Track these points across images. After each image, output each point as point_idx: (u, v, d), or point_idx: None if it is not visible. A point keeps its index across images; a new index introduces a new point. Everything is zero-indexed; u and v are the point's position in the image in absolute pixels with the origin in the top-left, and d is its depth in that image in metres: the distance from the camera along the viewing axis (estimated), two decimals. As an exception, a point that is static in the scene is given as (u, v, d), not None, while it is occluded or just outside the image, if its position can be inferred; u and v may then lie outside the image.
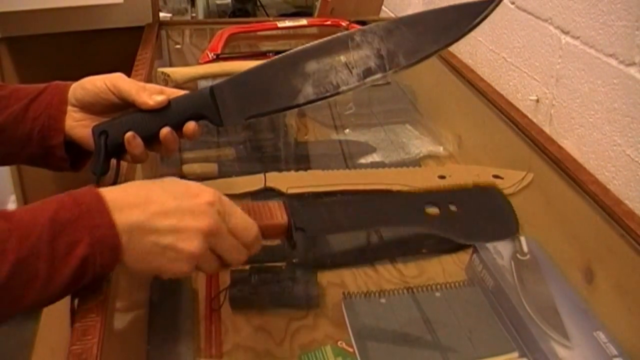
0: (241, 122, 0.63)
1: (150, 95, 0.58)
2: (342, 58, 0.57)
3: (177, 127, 0.58)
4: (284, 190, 0.80)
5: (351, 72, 0.57)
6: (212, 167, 0.89)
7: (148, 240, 0.50)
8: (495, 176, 0.86)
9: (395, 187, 0.83)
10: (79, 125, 0.62)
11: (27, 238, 0.45)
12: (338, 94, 0.57)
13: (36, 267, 0.45)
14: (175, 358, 0.57)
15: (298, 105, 0.58)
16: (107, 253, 0.48)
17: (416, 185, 0.83)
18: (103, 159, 0.58)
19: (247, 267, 0.65)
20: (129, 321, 0.62)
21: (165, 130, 0.58)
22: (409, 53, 0.57)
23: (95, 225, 0.47)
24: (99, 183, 0.59)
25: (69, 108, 0.63)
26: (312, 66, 0.58)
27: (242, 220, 0.54)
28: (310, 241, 0.63)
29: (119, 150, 0.59)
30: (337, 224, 0.66)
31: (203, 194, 0.52)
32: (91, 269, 0.48)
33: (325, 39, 0.58)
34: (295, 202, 0.63)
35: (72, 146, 0.63)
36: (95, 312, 0.51)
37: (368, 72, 0.57)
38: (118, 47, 1.27)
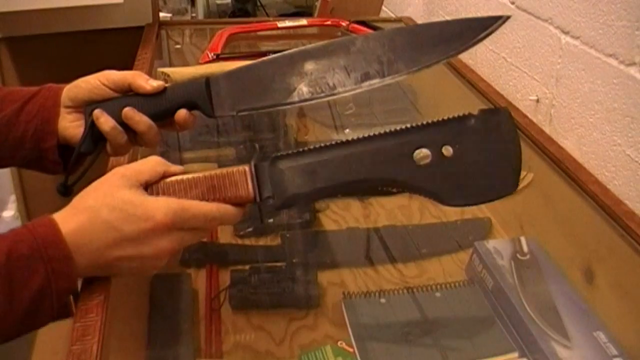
0: (232, 115, 0.60)
1: (147, 80, 0.58)
2: (342, 61, 0.57)
3: (169, 115, 0.58)
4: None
5: (349, 75, 0.57)
6: (212, 167, 0.89)
7: (108, 270, 0.52)
8: None
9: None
10: (72, 127, 0.61)
11: None
12: (334, 95, 0.57)
13: None
14: (175, 358, 0.57)
15: (292, 104, 0.58)
16: (63, 283, 0.49)
17: None
18: (88, 134, 0.58)
19: (247, 267, 0.65)
20: (129, 321, 0.62)
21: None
22: (409, 62, 0.57)
23: (50, 257, 0.48)
24: (80, 163, 0.60)
25: (62, 110, 0.62)
26: (309, 66, 0.58)
27: (202, 218, 0.52)
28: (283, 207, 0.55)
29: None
30: (314, 186, 0.56)
31: (153, 218, 0.51)
32: (48, 299, 0.48)
33: (326, 41, 0.58)
34: (266, 163, 0.55)
35: (66, 149, 0.63)
36: (95, 312, 0.51)
37: (366, 77, 0.56)
38: (118, 47, 1.27)
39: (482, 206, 0.81)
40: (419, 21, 1.45)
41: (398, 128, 0.56)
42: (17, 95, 0.64)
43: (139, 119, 0.58)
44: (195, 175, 0.55)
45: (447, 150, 0.56)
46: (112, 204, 0.51)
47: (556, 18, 0.90)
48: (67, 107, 0.62)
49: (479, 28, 0.61)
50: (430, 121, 0.57)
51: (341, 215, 0.78)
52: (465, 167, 0.57)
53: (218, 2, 3.32)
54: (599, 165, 0.81)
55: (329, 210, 0.80)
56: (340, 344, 0.58)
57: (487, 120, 0.57)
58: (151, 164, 0.54)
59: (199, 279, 0.66)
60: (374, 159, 0.56)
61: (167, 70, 1.03)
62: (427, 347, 0.57)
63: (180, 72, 1.04)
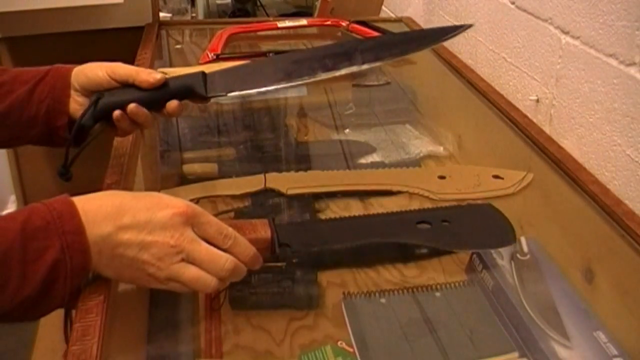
0: (223, 95, 0.67)
1: (150, 74, 0.64)
2: (322, 54, 0.70)
3: (166, 102, 0.65)
4: (284, 190, 0.80)
5: (328, 64, 0.68)
6: (212, 167, 0.89)
7: (116, 252, 0.50)
8: (495, 176, 0.86)
9: (395, 188, 0.83)
10: (81, 109, 0.65)
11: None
12: (315, 77, 0.67)
13: (8, 271, 0.46)
14: (175, 358, 0.57)
15: (278, 84, 0.67)
16: (78, 258, 0.49)
17: (416, 186, 0.83)
18: (90, 111, 0.64)
19: (247, 267, 0.65)
20: (129, 321, 0.62)
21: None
22: (376, 56, 0.70)
23: (65, 231, 0.48)
24: (82, 139, 0.64)
25: (72, 92, 0.66)
26: (294, 59, 0.70)
27: (215, 227, 0.53)
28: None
29: (107, 115, 0.64)
30: (324, 239, 0.66)
31: (174, 205, 0.52)
32: (62, 274, 0.48)
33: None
34: (283, 223, 0.65)
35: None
36: (95, 312, 0.51)
37: (342, 65, 0.68)
38: (118, 47, 1.26)
39: (482, 206, 0.81)
40: (419, 21, 1.45)
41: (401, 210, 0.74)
42: (27, 75, 0.67)
43: (142, 113, 0.64)
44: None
45: (446, 223, 0.69)
46: (134, 194, 0.55)
47: (556, 18, 0.90)
48: (77, 90, 0.66)
49: (441, 34, 0.75)
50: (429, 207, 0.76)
51: (341, 215, 0.78)
52: (463, 231, 0.69)
53: (218, 2, 3.32)
54: (599, 165, 0.81)
55: (329, 210, 0.80)
56: (340, 344, 0.58)
57: (475, 207, 0.75)
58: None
59: (199, 279, 0.66)
60: (381, 226, 0.69)
61: (167, 70, 1.03)
62: (427, 347, 0.57)
63: (180, 72, 1.04)
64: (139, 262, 0.51)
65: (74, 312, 0.52)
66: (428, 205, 0.80)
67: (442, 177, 0.85)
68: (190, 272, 0.51)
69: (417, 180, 0.84)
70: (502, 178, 0.85)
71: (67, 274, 0.49)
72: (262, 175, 0.83)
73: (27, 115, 0.66)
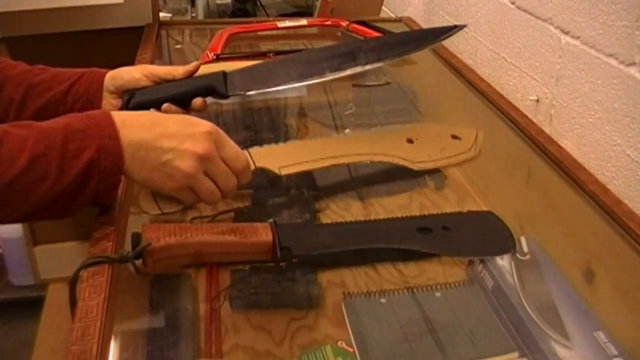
0: (242, 94, 0.76)
1: (184, 68, 0.75)
2: (330, 55, 0.77)
3: (191, 98, 0.72)
4: (276, 170, 0.78)
5: (335, 64, 0.76)
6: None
7: (149, 155, 0.58)
8: (454, 137, 0.90)
9: (376, 158, 0.85)
10: (114, 109, 0.72)
11: (42, 140, 0.53)
12: (323, 77, 0.76)
13: (48, 164, 0.53)
14: (175, 358, 0.57)
15: (291, 83, 0.76)
16: (111, 159, 0.56)
17: (393, 154, 0.85)
18: (123, 109, 0.70)
19: (247, 267, 0.65)
20: (129, 321, 0.62)
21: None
22: (378, 56, 0.78)
23: (102, 135, 0.56)
24: None
25: (106, 94, 0.74)
26: (305, 60, 0.77)
27: (234, 150, 0.63)
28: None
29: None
30: (325, 244, 0.67)
31: (202, 124, 0.61)
32: (96, 173, 0.55)
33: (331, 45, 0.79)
34: (283, 225, 0.66)
35: None
36: (95, 312, 0.51)
37: (347, 66, 0.77)
38: (118, 47, 1.27)
39: (482, 207, 0.81)
40: (419, 21, 1.45)
41: (402, 216, 0.74)
42: (63, 77, 0.75)
43: (174, 111, 0.73)
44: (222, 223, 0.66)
45: (446, 229, 0.70)
46: (167, 114, 0.66)
47: (556, 18, 0.90)
48: (111, 92, 0.74)
49: (437, 34, 0.83)
50: (429, 213, 0.77)
51: (341, 215, 0.78)
52: (463, 237, 0.70)
53: (218, 2, 3.32)
54: (599, 165, 0.81)
55: (329, 210, 0.80)
56: (340, 344, 0.58)
57: (476, 214, 0.76)
58: None
59: (199, 279, 0.66)
60: (381, 231, 0.71)
61: (167, 70, 1.03)
62: (427, 347, 0.57)
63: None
64: (168, 167, 0.58)
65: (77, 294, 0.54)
66: (428, 205, 0.81)
67: (410, 141, 0.88)
68: (207, 185, 0.61)
69: (390, 146, 0.86)
70: (460, 138, 0.89)
71: (101, 173, 0.56)
72: (245, 152, 0.74)
73: (62, 112, 0.69)
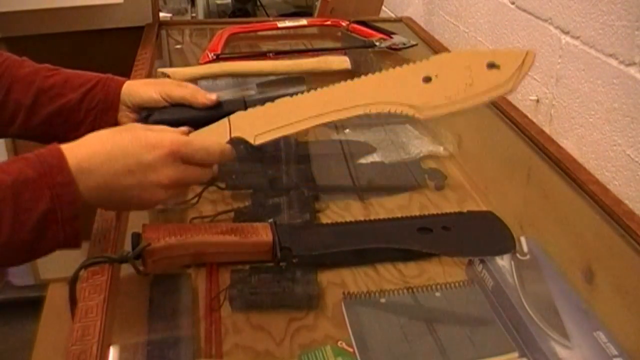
0: None
1: (205, 96, 0.69)
2: None
3: (210, 123, 0.67)
4: (251, 140, 0.66)
5: None
6: (213, 168, 0.89)
7: (113, 195, 0.56)
8: (491, 65, 0.66)
9: (372, 109, 0.66)
10: (129, 121, 0.70)
11: None
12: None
13: (1, 218, 0.50)
14: (175, 358, 0.57)
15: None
16: (67, 207, 0.52)
17: (396, 101, 0.65)
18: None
19: (247, 267, 0.65)
20: (129, 321, 0.62)
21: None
22: None
23: (55, 184, 0.52)
24: None
25: (122, 107, 0.72)
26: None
27: (203, 152, 0.59)
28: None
29: None
30: (325, 244, 0.67)
31: (161, 146, 0.56)
32: (54, 223, 0.52)
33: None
34: (283, 225, 0.66)
35: None
36: (95, 312, 0.51)
37: None
38: (118, 47, 1.27)
39: (482, 207, 0.81)
40: (419, 21, 1.45)
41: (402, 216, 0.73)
42: (76, 82, 0.72)
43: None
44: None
45: (447, 229, 0.70)
46: (125, 130, 0.58)
47: (556, 18, 0.90)
48: (127, 106, 0.71)
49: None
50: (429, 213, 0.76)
51: (341, 215, 0.78)
52: (464, 237, 0.70)
53: (218, 2, 3.32)
54: (599, 165, 0.81)
55: (329, 210, 0.80)
56: (340, 344, 0.58)
57: (476, 214, 0.74)
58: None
59: (199, 279, 0.66)
60: (381, 232, 0.70)
61: (167, 70, 1.03)
62: (427, 347, 0.57)
63: (181, 72, 1.04)
64: (136, 200, 0.57)
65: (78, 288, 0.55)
66: (428, 205, 0.81)
67: (427, 80, 0.66)
68: (184, 190, 0.63)
69: (398, 88, 0.66)
70: (498, 67, 0.66)
71: (59, 222, 0.52)
72: (226, 121, 0.67)
73: (75, 119, 0.70)
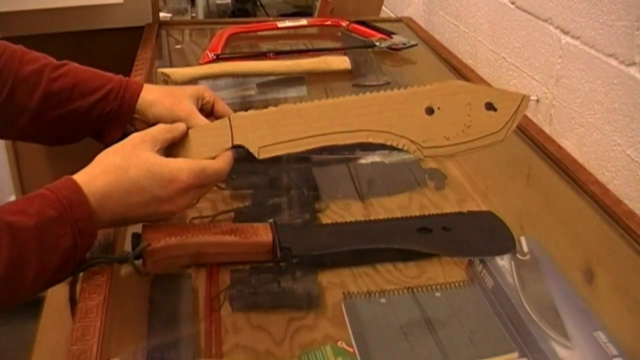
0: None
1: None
2: None
3: None
4: (255, 152, 0.66)
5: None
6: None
7: (126, 223, 0.60)
8: (489, 106, 0.67)
9: (377, 139, 0.68)
10: (141, 127, 0.69)
11: (17, 238, 0.49)
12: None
13: (28, 262, 0.50)
14: (175, 358, 0.57)
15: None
16: (86, 241, 0.54)
17: (400, 134, 0.66)
18: None
19: (247, 267, 0.65)
20: (129, 321, 0.62)
21: None
22: None
23: (77, 219, 0.52)
24: None
25: (136, 116, 0.71)
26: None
27: (216, 177, 0.62)
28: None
29: None
30: (325, 244, 0.67)
31: (178, 180, 0.58)
32: (72, 257, 0.53)
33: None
34: (283, 225, 0.66)
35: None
36: (95, 312, 0.51)
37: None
38: (118, 47, 1.27)
39: (482, 207, 0.81)
40: (419, 21, 1.45)
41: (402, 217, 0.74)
42: (87, 88, 0.69)
43: None
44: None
45: (447, 229, 0.70)
46: (139, 163, 0.57)
47: (556, 18, 0.90)
48: (142, 121, 0.70)
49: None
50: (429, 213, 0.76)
51: (341, 215, 0.78)
52: (463, 237, 0.70)
53: (218, 2, 3.32)
54: (599, 165, 0.81)
55: (329, 210, 0.80)
56: (340, 344, 0.58)
57: (476, 214, 0.75)
58: (161, 131, 0.62)
59: (199, 279, 0.66)
60: (381, 232, 0.70)
61: (167, 70, 1.03)
62: (427, 347, 0.57)
63: (180, 73, 1.04)
64: (145, 221, 0.60)
65: (78, 288, 0.55)
66: (428, 205, 0.81)
67: (430, 111, 0.67)
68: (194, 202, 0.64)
69: (401, 117, 0.67)
70: (496, 109, 0.67)
71: (77, 255, 0.53)
72: (226, 121, 0.67)
73: (84, 124, 0.70)
